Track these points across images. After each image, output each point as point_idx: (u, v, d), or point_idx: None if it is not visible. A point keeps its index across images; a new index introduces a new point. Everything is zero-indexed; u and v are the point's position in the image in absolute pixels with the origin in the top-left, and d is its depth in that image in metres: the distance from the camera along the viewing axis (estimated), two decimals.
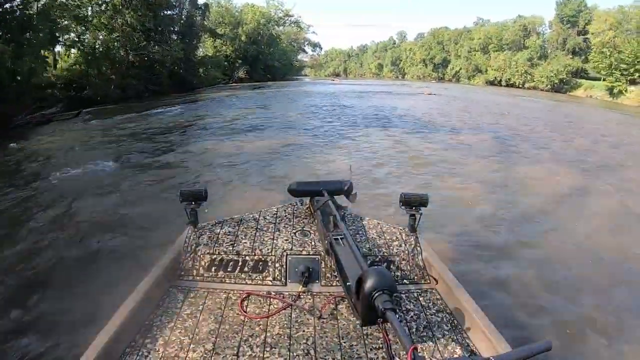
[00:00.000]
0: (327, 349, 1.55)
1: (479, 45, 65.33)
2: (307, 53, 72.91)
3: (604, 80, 43.38)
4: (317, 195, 2.44)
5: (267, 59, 51.72)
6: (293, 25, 59.18)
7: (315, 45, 69.74)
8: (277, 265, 2.04)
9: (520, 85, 55.61)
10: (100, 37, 24.20)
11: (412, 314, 1.81)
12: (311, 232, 2.27)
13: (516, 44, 60.12)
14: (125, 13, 25.06)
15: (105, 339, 1.43)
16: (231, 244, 2.15)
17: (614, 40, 42.93)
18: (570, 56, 54.06)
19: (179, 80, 29.75)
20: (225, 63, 43.45)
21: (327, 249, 1.97)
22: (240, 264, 2.05)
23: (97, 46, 23.68)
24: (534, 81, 54.33)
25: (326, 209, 2.24)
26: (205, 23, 37.52)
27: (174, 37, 31.23)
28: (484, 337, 1.59)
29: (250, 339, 1.59)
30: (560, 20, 56.27)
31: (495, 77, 60.41)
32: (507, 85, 57.42)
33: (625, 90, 38.26)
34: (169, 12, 29.89)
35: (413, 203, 2.22)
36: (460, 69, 71.56)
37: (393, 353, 1.38)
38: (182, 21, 32.57)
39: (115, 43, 24.72)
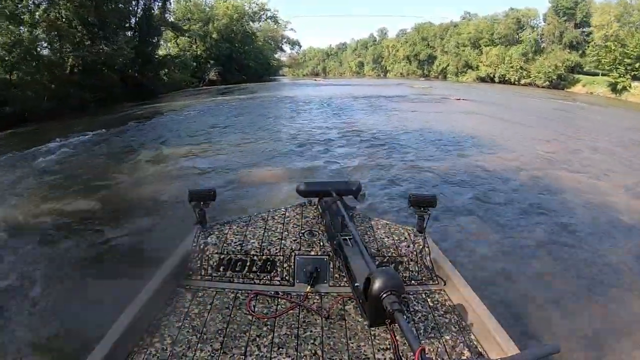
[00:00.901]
0: (334, 350, 1.56)
1: (468, 40, 61.27)
2: (285, 52, 67.84)
3: (602, 75, 41.02)
4: (325, 195, 2.43)
5: (242, 58, 46.21)
6: (269, 21, 53.82)
7: (293, 43, 64.59)
8: (285, 265, 2.04)
9: (516, 82, 51.87)
10: (26, 34, 18.67)
11: (420, 315, 1.82)
12: (319, 232, 2.25)
13: (509, 38, 56.35)
14: (60, 5, 19.64)
15: (114, 338, 1.44)
16: (239, 244, 2.14)
17: (617, 34, 39.78)
18: (568, 50, 50.59)
19: (135, 85, 24.44)
20: (195, 64, 37.98)
21: (335, 250, 1.97)
22: (248, 264, 2.05)
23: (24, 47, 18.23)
24: (529, 77, 50.69)
25: (334, 209, 2.22)
26: (168, 17, 32.01)
27: (129, 34, 25.93)
28: (492, 339, 1.59)
29: (257, 339, 1.60)
30: (556, 13, 52.67)
31: (487, 74, 56.54)
32: (501, 82, 53.63)
33: (630, 86, 35.60)
34: (119, 4, 24.30)
35: (422, 204, 2.23)
36: (448, 65, 67.59)
37: (401, 354, 1.40)
38: (137, 15, 27.08)
39: (44, 42, 19.20)
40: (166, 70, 30.42)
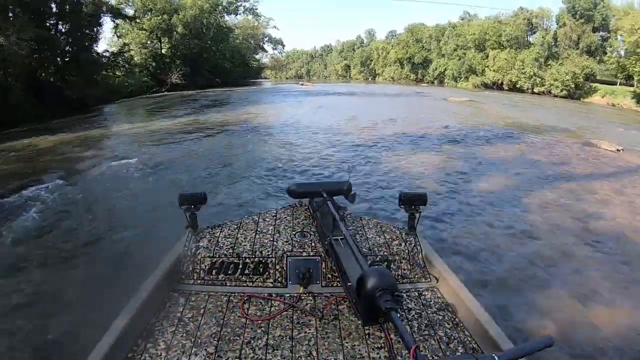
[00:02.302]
0: (329, 350, 1.56)
1: (473, 42, 54.96)
2: (266, 52, 60.36)
3: (620, 84, 37.57)
4: (316, 196, 2.43)
5: (215, 58, 38.59)
6: (249, 15, 46.14)
7: (276, 43, 57.13)
8: (277, 267, 2.05)
9: (529, 90, 45.71)
10: None
11: (413, 312, 1.83)
12: (311, 233, 2.27)
13: (519, 40, 50.26)
14: None
15: (108, 345, 1.43)
16: (231, 247, 2.14)
17: None
18: (586, 56, 44.82)
19: (54, 94, 16.92)
20: (153, 64, 30.34)
21: (327, 250, 1.99)
22: (240, 266, 2.05)
23: None
24: (544, 85, 44.67)
25: (325, 209, 2.23)
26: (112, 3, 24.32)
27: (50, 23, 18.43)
28: (486, 335, 1.60)
29: (252, 342, 1.60)
30: (572, 14, 46.82)
31: (494, 79, 50.28)
32: (510, 90, 47.45)
33: None
34: None
35: (412, 202, 2.24)
36: (446, 69, 61.35)
37: (395, 352, 1.42)
38: None
39: None
40: (105, 73, 22.51)
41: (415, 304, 1.89)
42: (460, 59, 56.35)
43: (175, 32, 33.09)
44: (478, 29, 54.83)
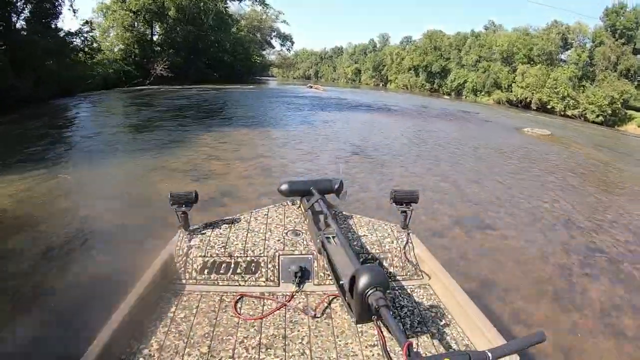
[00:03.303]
0: (322, 348, 1.56)
1: (500, 54, 50.29)
2: (274, 48, 55.54)
3: None
4: (307, 194, 2.43)
5: (215, 49, 33.77)
6: (256, 3, 41.19)
7: (285, 39, 52.24)
8: (269, 265, 2.04)
9: (561, 112, 41.07)
10: None
11: (406, 310, 1.84)
12: (303, 231, 2.27)
13: (551, 57, 45.66)
14: None
15: (100, 346, 1.41)
16: (223, 246, 2.13)
17: None
18: (625, 80, 40.34)
19: None
20: (136, 51, 25.64)
21: (319, 248, 1.98)
22: (232, 265, 2.04)
23: None
24: (577, 108, 40.08)
25: (317, 207, 2.24)
26: None
27: None
28: (479, 331, 1.61)
29: (245, 341, 1.59)
30: (612, 33, 42.26)
31: (522, 97, 45.60)
32: (539, 109, 42.85)
33: None
34: None
35: (404, 200, 2.25)
36: (466, 81, 56.73)
37: (388, 349, 1.39)
38: None
39: None
40: (72, 59, 17.61)
41: (407, 301, 1.90)
42: (485, 72, 51.49)
43: (167, 16, 28.09)
44: (506, 41, 50.21)
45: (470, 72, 56.32)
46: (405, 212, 2.26)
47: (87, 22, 18.41)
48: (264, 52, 53.18)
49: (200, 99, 21.77)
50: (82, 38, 17.91)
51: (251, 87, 32.53)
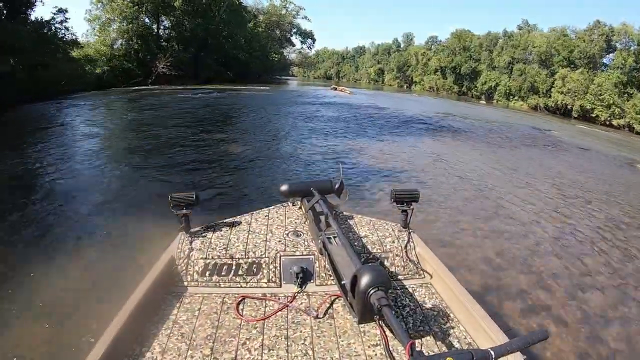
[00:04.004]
0: (325, 348, 1.56)
1: (538, 55, 46.51)
2: (294, 46, 52.71)
3: None
4: (308, 195, 2.43)
5: (229, 45, 31.09)
6: None
7: (306, 36, 49.29)
8: (271, 267, 2.04)
9: (606, 122, 37.20)
10: None
11: (408, 309, 1.83)
12: (304, 232, 2.27)
13: (594, 60, 41.75)
14: None
15: (102, 351, 1.40)
16: (224, 248, 2.13)
17: None
18: None
19: None
20: (136, 46, 23.17)
21: (320, 249, 1.98)
22: (234, 267, 2.04)
23: None
24: (622, 117, 36.22)
25: (318, 208, 2.24)
26: None
27: None
28: (481, 329, 1.61)
29: (247, 342, 1.59)
30: None
31: (561, 103, 41.78)
32: (580, 118, 39.07)
33: None
34: None
35: (404, 199, 2.24)
36: (498, 84, 53.08)
37: (391, 349, 1.38)
38: None
39: None
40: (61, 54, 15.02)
41: (409, 301, 1.89)
42: (521, 75, 47.68)
43: (173, 7, 25.38)
44: (544, 42, 46.35)
45: (502, 75, 52.69)
46: (406, 211, 2.23)
47: (61, 10, 15.78)
48: (283, 50, 50.38)
49: (196, 105, 17.62)
50: (55, 29, 15.28)
51: (266, 88, 28.66)
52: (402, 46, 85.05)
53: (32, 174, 7.19)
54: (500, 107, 44.10)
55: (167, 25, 26.79)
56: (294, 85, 44.03)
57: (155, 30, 26.04)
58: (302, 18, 48.49)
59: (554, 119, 35.34)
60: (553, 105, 43.07)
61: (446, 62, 63.36)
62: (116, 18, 22.87)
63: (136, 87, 20.64)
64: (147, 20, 25.27)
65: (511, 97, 50.50)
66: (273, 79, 44.54)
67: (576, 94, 40.37)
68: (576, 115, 39.94)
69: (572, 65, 43.05)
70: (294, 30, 46.79)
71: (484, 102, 50.14)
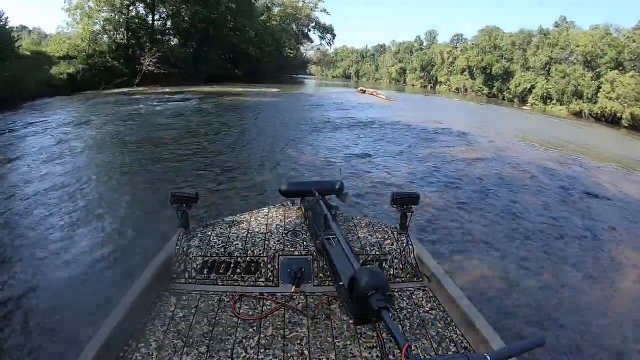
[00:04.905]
0: (321, 349, 1.56)
1: (582, 56, 41.81)
2: (312, 42, 48.88)
3: None
4: (308, 195, 2.41)
5: (237, 38, 27.39)
6: None
7: (325, 31, 45.35)
8: (269, 266, 2.04)
9: None
10: None
11: (405, 312, 1.83)
12: (303, 232, 2.26)
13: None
14: None
15: (98, 345, 1.41)
16: (223, 246, 2.11)
17: None
18: None
19: None
20: (121, 40, 19.71)
21: (319, 249, 1.97)
22: (232, 265, 2.03)
23: None
24: None
25: (317, 209, 2.20)
26: None
27: None
28: (478, 334, 1.60)
29: (244, 341, 1.59)
30: None
31: (609, 110, 37.10)
32: (631, 127, 34.39)
33: None
34: None
35: (404, 202, 2.23)
36: (534, 86, 48.50)
37: (387, 352, 1.42)
38: None
39: None
40: None
41: (407, 304, 1.89)
42: (565, 77, 42.97)
43: None
44: (588, 41, 41.62)
45: (539, 77, 48.09)
46: (405, 214, 2.23)
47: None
48: (300, 46, 46.57)
49: (161, 127, 11.79)
50: None
51: (277, 91, 23.95)
52: (425, 44, 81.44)
53: None
54: (537, 112, 39.64)
55: (163, 16, 23.22)
56: (312, 87, 39.23)
57: (152, 22, 22.54)
58: (322, 11, 44.52)
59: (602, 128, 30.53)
60: (599, 112, 38.43)
61: (475, 62, 58.88)
62: (104, 7, 19.38)
63: (117, 90, 17.12)
64: (141, 10, 21.69)
65: (549, 101, 45.96)
66: (288, 77, 40.98)
67: (627, 100, 35.69)
68: (627, 125, 35.29)
69: (621, 68, 38.45)
70: (312, 24, 42.91)
71: (528, 108, 45.32)
